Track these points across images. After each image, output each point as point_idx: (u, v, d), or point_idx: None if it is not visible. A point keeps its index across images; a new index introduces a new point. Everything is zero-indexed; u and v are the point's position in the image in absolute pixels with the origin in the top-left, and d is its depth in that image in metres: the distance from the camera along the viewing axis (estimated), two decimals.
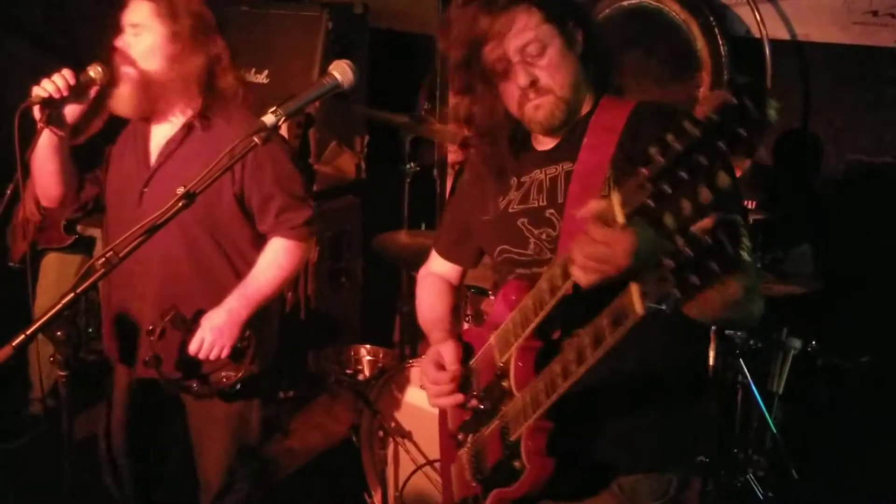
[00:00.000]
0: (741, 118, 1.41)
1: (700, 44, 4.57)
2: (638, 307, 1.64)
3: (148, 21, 2.77)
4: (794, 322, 4.08)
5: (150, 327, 2.81)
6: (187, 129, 2.86)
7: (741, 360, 3.90)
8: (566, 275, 1.82)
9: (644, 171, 1.52)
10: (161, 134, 2.92)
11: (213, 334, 2.82)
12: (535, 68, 2.03)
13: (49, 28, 5.43)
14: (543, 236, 2.13)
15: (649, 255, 1.61)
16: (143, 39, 2.77)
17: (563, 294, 1.87)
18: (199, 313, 2.86)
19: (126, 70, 2.76)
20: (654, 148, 1.50)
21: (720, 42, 4.51)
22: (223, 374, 2.90)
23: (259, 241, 2.96)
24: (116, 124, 3.03)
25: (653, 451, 2.13)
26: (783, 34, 4.58)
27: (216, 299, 2.87)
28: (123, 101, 2.80)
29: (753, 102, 1.40)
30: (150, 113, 2.87)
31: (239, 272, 2.93)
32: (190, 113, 2.86)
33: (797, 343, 4.01)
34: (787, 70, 4.56)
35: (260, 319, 2.95)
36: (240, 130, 2.77)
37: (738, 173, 4.16)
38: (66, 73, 2.67)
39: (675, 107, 2.14)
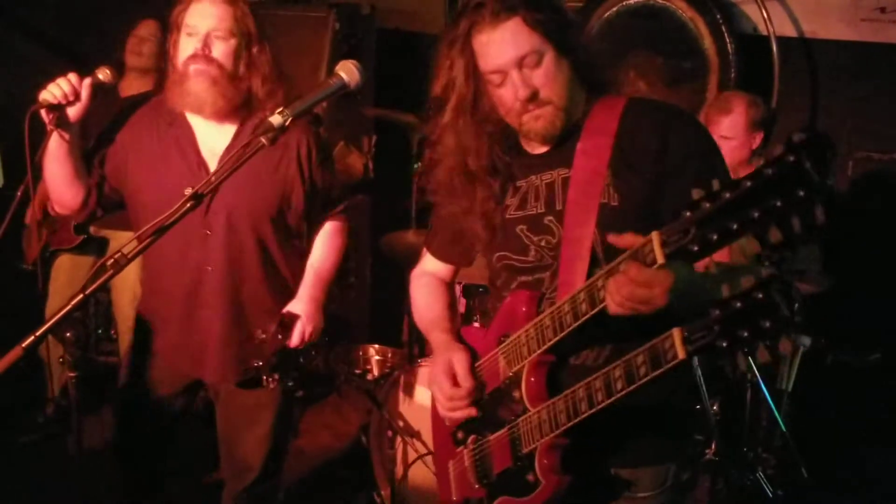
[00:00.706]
0: (800, 179, 1.41)
1: (707, 42, 4.57)
2: (680, 352, 1.69)
3: (228, 25, 2.75)
4: (803, 320, 4.07)
5: (262, 335, 2.89)
6: (252, 133, 2.84)
7: (750, 357, 3.89)
8: (593, 301, 1.86)
9: (688, 214, 1.56)
10: (213, 139, 2.88)
11: (311, 324, 2.94)
12: (533, 80, 2.03)
13: (59, 30, 5.45)
14: (543, 243, 2.13)
15: (687, 296, 1.68)
16: (223, 43, 2.75)
17: (587, 318, 1.90)
18: (294, 315, 2.94)
19: (206, 67, 2.72)
20: (697, 191, 1.54)
21: (727, 40, 4.50)
22: (305, 359, 3.00)
23: (304, 234, 3.07)
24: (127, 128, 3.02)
25: (651, 446, 2.14)
26: (790, 31, 4.58)
27: (274, 292, 2.98)
28: (202, 97, 2.75)
29: (815, 166, 1.40)
30: (224, 114, 2.83)
31: (293, 264, 3.03)
32: (253, 117, 2.84)
33: (806, 341, 4.00)
34: (794, 67, 4.55)
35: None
36: (301, 132, 2.88)
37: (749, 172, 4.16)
38: (72, 76, 2.67)
39: (668, 105, 2.16)
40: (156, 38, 4.42)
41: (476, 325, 3.78)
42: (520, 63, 2.02)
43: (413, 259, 4.28)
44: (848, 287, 3.96)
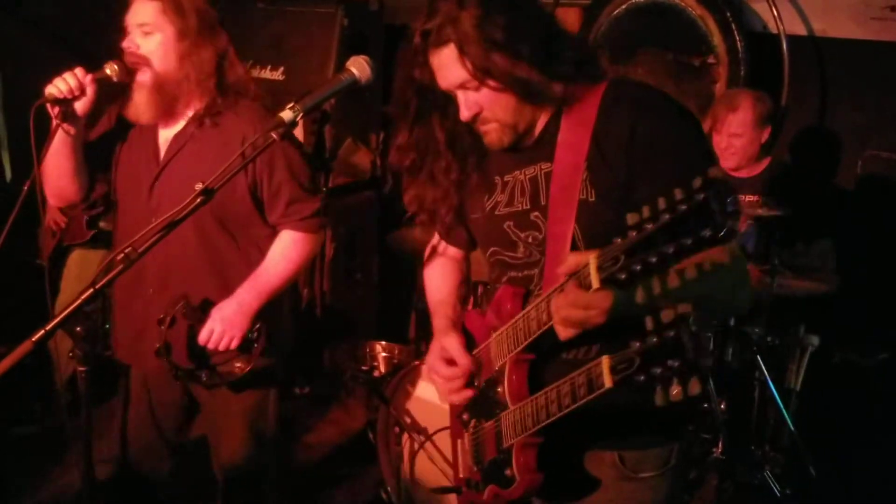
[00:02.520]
0: (706, 218, 1.45)
1: (717, 39, 4.56)
2: (608, 381, 1.75)
3: (155, 20, 2.76)
4: (811, 319, 4.06)
5: (162, 316, 2.82)
6: (197, 123, 2.86)
7: (758, 356, 3.89)
8: (550, 315, 1.89)
9: (619, 241, 1.58)
10: (169, 130, 2.92)
11: (223, 325, 2.84)
12: (475, 101, 2.02)
13: (67, 25, 5.45)
14: (530, 239, 2.13)
15: (628, 313, 1.71)
16: (153, 39, 2.77)
17: (546, 328, 1.94)
18: (208, 303, 2.87)
19: (140, 77, 2.77)
20: (631, 215, 1.56)
21: (737, 38, 4.49)
22: (234, 364, 2.92)
23: (273, 234, 2.97)
24: (126, 122, 3.03)
25: (653, 427, 2.13)
26: (800, 30, 4.57)
27: (228, 292, 2.89)
28: (142, 108, 2.80)
29: (717, 203, 1.44)
30: (167, 115, 2.86)
31: (252, 264, 2.94)
32: (199, 108, 2.86)
33: (815, 340, 4.00)
34: (804, 66, 4.54)
35: (272, 311, 2.96)
36: (249, 123, 2.81)
37: (759, 170, 4.16)
38: (79, 71, 2.68)
39: (644, 92, 2.07)
40: None
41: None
42: (461, 86, 2.02)
43: (420, 255, 4.29)
44: (856, 286, 3.96)
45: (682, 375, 1.57)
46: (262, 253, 2.94)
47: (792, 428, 3.93)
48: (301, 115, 2.05)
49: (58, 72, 2.68)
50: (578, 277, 1.73)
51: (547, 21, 2.06)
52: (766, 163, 4.19)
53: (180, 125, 2.89)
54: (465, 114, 2.04)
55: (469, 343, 2.29)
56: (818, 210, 4.07)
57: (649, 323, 1.63)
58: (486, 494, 2.21)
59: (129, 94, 2.79)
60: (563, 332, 1.85)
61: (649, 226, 1.52)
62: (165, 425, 3.13)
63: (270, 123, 2.04)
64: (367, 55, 2.28)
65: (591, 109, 2.02)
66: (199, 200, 1.96)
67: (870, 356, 4.19)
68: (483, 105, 2.03)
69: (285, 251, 2.94)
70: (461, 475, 2.38)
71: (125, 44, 2.79)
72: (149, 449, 3.14)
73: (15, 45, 5.32)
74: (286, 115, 2.04)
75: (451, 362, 2.28)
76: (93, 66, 2.74)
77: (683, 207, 1.47)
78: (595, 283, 1.65)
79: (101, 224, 4.48)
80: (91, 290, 1.88)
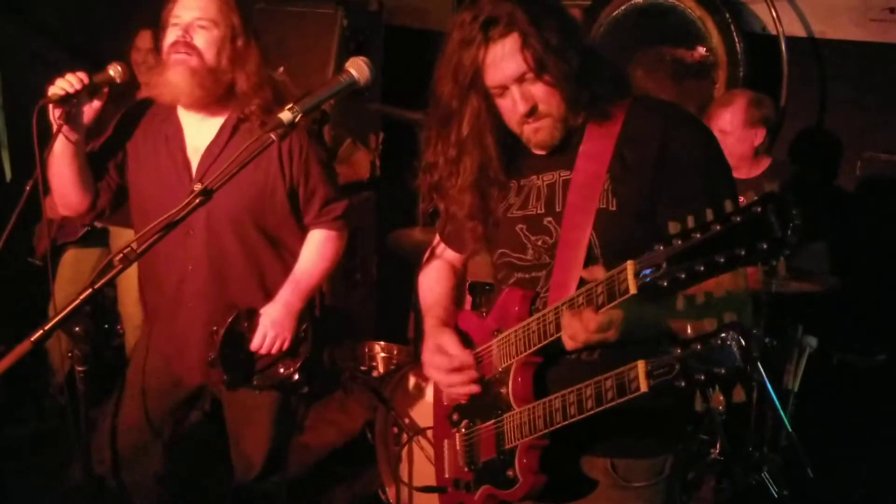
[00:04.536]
0: (764, 231, 1.46)
1: (716, 41, 4.56)
2: (643, 385, 1.77)
3: (212, 16, 2.76)
4: (809, 320, 4.07)
5: (215, 328, 2.86)
6: (231, 131, 2.85)
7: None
8: (559, 327, 1.93)
9: (661, 248, 1.60)
10: (198, 137, 2.89)
11: (274, 329, 2.91)
12: (531, 94, 2.03)
13: (68, 25, 5.46)
14: (540, 243, 2.15)
15: (643, 332, 1.78)
16: (206, 34, 2.75)
17: (553, 339, 1.97)
18: (254, 311, 2.93)
19: (186, 59, 2.73)
20: (673, 224, 1.58)
21: (736, 39, 4.50)
22: (282, 366, 2.98)
23: (302, 236, 3.02)
24: (132, 129, 3.02)
25: (647, 439, 2.15)
26: (799, 31, 4.57)
27: (267, 295, 2.95)
28: (180, 88, 2.75)
29: (779, 220, 1.45)
30: (202, 107, 2.84)
31: (287, 267, 2.99)
32: (238, 114, 2.84)
33: (813, 341, 4.00)
34: (803, 67, 4.54)
35: (309, 312, 3.03)
36: None
37: (759, 172, 4.17)
38: (81, 73, 2.68)
39: (672, 108, 2.13)
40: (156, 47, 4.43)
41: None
42: (520, 79, 2.02)
43: (420, 256, 4.29)
44: (854, 288, 3.96)
45: (726, 382, 1.60)
46: (294, 257, 3.00)
47: (790, 429, 3.93)
48: (300, 115, 2.05)
49: (59, 72, 2.68)
50: (612, 283, 1.75)
51: (586, 40, 2.11)
52: (766, 164, 4.19)
53: (209, 132, 2.87)
54: (521, 107, 2.04)
55: (464, 343, 2.30)
56: (815, 212, 4.07)
57: (690, 329, 1.66)
58: (478, 495, 2.22)
59: (132, 97, 2.78)
60: (572, 347, 1.90)
61: (696, 235, 1.54)
62: (159, 420, 3.11)
63: (269, 124, 2.05)
64: (367, 56, 2.28)
65: (614, 125, 2.06)
66: (197, 201, 1.95)
67: (868, 358, 4.19)
68: (539, 99, 2.03)
69: (321, 250, 3.02)
70: (447, 475, 2.39)
71: (173, 37, 2.75)
72: (140, 448, 3.12)
73: (15, 45, 5.33)
74: (285, 115, 2.04)
75: (448, 356, 2.28)
76: (95, 67, 2.75)
77: (737, 219, 1.48)
78: (632, 289, 1.68)
79: (96, 222, 4.48)
80: (90, 289, 1.88)
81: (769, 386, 3.87)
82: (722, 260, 1.50)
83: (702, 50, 4.62)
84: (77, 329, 2.19)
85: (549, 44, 1.98)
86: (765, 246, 1.46)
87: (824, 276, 3.93)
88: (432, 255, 2.61)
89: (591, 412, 1.91)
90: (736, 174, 4.14)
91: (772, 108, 4.17)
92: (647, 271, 1.63)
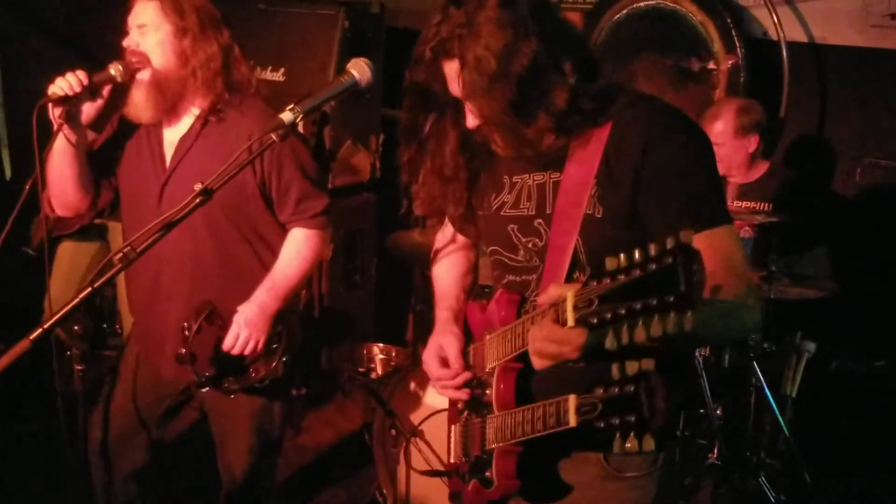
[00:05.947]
0: (672, 284, 1.42)
1: (717, 46, 4.57)
2: (572, 420, 1.80)
3: (154, 20, 2.78)
4: (808, 325, 4.07)
5: (185, 324, 2.81)
6: (202, 123, 2.86)
7: (755, 362, 3.89)
8: (525, 342, 1.92)
9: (594, 284, 1.58)
10: (174, 131, 2.92)
11: (248, 328, 2.83)
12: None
13: (72, 27, 5.46)
14: (531, 245, 2.14)
15: (600, 354, 1.70)
16: (152, 37, 2.78)
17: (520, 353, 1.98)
18: (229, 310, 2.87)
19: (140, 76, 2.77)
20: (610, 261, 1.55)
21: (737, 44, 4.50)
22: (255, 369, 2.91)
23: (284, 234, 2.97)
24: (128, 127, 3.03)
25: None
26: (800, 37, 4.58)
27: (244, 293, 2.88)
28: (141, 106, 2.80)
29: (684, 270, 1.41)
30: (168, 114, 2.87)
31: (266, 265, 2.93)
32: (205, 107, 2.86)
33: (811, 346, 4.00)
34: (803, 73, 4.55)
35: (287, 313, 2.97)
36: (255, 121, 2.80)
37: (758, 175, 4.17)
38: (80, 73, 2.68)
39: (660, 112, 2.05)
40: None
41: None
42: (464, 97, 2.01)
43: (419, 258, 4.30)
44: (853, 293, 3.96)
45: (637, 430, 1.59)
46: (275, 256, 2.95)
47: (788, 434, 3.93)
48: (301, 116, 2.05)
49: (59, 72, 2.68)
50: (556, 312, 1.74)
51: (562, 59, 1.95)
52: (764, 168, 4.19)
53: (184, 125, 2.89)
54: (469, 122, 2.03)
55: (468, 337, 2.32)
56: (815, 217, 4.08)
57: (615, 371, 1.66)
58: (470, 486, 2.24)
59: (129, 96, 2.80)
60: (538, 363, 1.84)
61: (621, 277, 1.51)
62: (147, 412, 3.09)
63: (270, 125, 2.05)
64: (368, 57, 2.28)
65: (604, 128, 2.01)
66: (197, 201, 1.96)
67: (866, 363, 4.19)
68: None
69: (299, 249, 2.94)
70: (451, 460, 2.41)
71: (125, 43, 2.80)
72: (125, 436, 3.09)
73: (15, 45, 5.33)
74: (286, 116, 2.04)
75: (445, 362, 2.30)
76: (95, 66, 2.75)
77: (652, 267, 1.45)
78: (570, 322, 1.66)
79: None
80: (89, 288, 1.88)
81: (767, 391, 3.88)
82: (638, 307, 1.47)
83: (705, 64, 4.63)
84: (76, 328, 2.19)
85: (484, 75, 1.89)
86: (671, 299, 1.42)
87: (823, 281, 3.94)
88: (444, 238, 2.58)
89: (539, 434, 1.94)
90: (735, 179, 4.18)
91: (761, 111, 4.17)
92: (582, 304, 1.61)
